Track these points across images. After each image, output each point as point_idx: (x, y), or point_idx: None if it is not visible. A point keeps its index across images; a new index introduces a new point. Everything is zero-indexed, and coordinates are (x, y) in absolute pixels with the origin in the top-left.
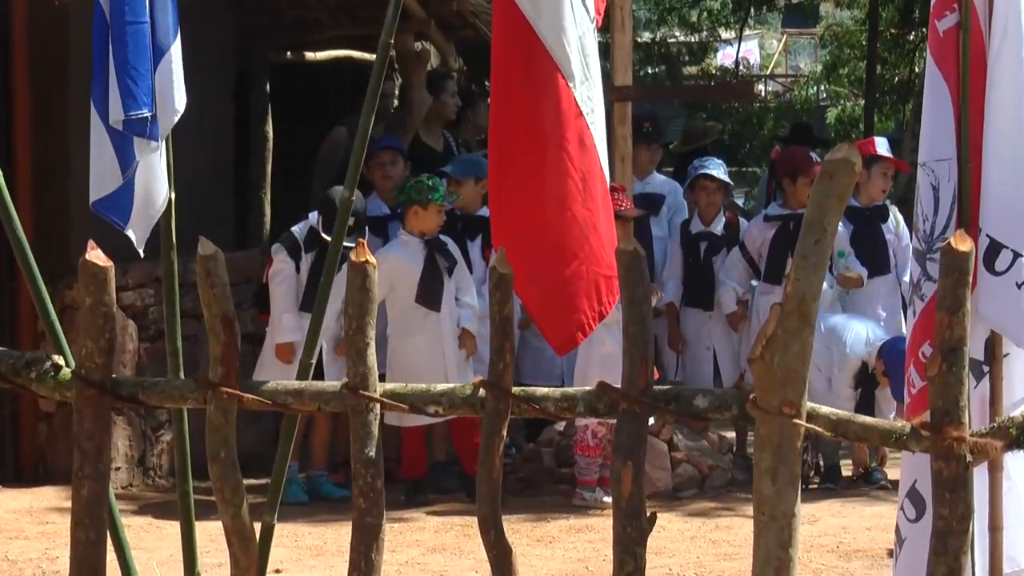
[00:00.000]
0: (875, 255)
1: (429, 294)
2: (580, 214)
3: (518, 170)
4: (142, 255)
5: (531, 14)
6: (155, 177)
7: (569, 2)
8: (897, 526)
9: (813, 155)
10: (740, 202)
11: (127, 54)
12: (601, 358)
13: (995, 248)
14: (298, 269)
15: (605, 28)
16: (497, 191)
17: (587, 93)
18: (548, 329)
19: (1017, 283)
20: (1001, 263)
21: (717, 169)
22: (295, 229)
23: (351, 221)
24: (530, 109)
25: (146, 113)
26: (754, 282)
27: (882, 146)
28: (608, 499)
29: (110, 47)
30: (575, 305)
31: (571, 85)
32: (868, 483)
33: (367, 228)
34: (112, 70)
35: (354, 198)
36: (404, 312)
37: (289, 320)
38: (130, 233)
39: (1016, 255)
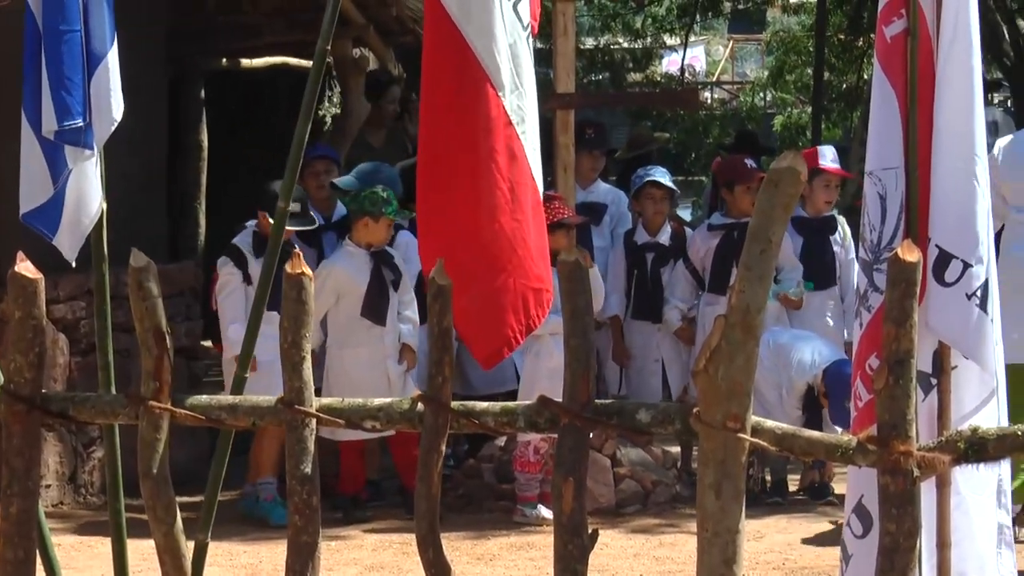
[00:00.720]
0: (822, 268)
1: (375, 307)
2: (508, 225)
3: (445, 180)
4: (73, 265)
5: (461, 21)
6: (88, 187)
7: (499, 9)
8: (843, 542)
9: (750, 162)
10: (687, 213)
11: (61, 64)
12: (549, 371)
13: (945, 259)
14: (248, 279)
15: (547, 35)
16: (424, 201)
17: (517, 102)
18: (473, 342)
19: (967, 294)
20: (951, 274)
21: (664, 177)
22: (236, 240)
23: (297, 208)
24: (458, 118)
25: (80, 123)
26: (701, 293)
27: (825, 157)
28: (549, 515)
29: (43, 56)
30: (501, 319)
31: (500, 94)
32: (817, 497)
33: (299, 237)
34: (45, 80)
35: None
36: (348, 324)
37: (240, 331)
38: (60, 244)
39: (966, 265)
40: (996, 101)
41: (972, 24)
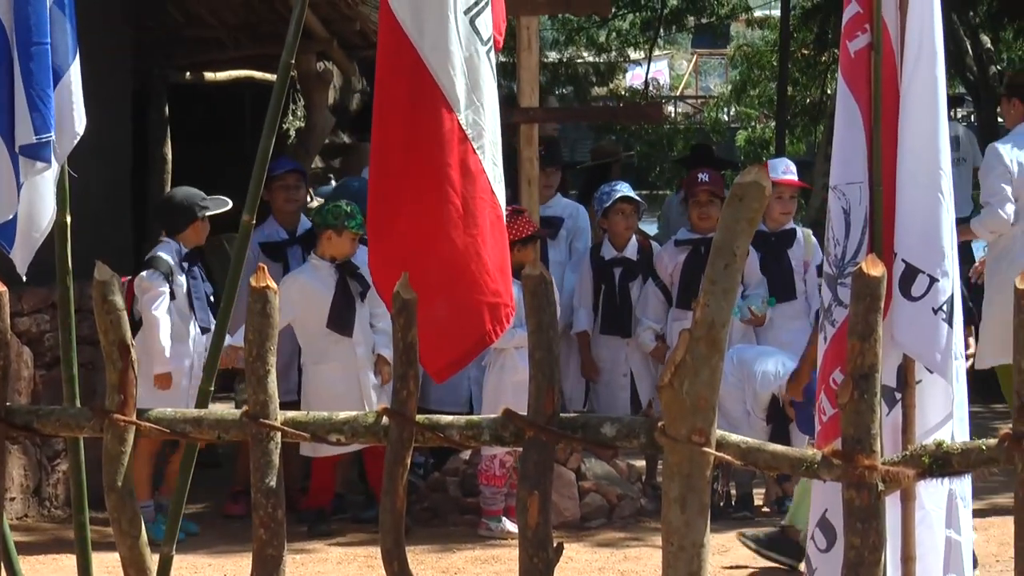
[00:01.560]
0: (782, 281)
1: (340, 319)
2: (460, 240)
3: (395, 195)
4: (24, 279)
5: (415, 36)
6: (40, 201)
7: (454, 23)
8: (807, 556)
9: (702, 176)
10: (652, 227)
11: (32, 77)
12: (513, 385)
13: (911, 273)
14: (172, 294)
15: (511, 49)
16: (375, 217)
17: (474, 116)
18: (425, 356)
19: (933, 308)
20: (917, 288)
21: (630, 192)
22: (161, 253)
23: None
24: (410, 133)
25: (52, 136)
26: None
27: (776, 169)
28: (514, 529)
29: (15, 68)
30: (454, 333)
31: (455, 110)
32: (780, 512)
33: (263, 253)
34: (21, 92)
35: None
36: (316, 338)
37: (171, 348)
38: (14, 257)
39: (932, 280)
40: (959, 116)
41: (936, 39)
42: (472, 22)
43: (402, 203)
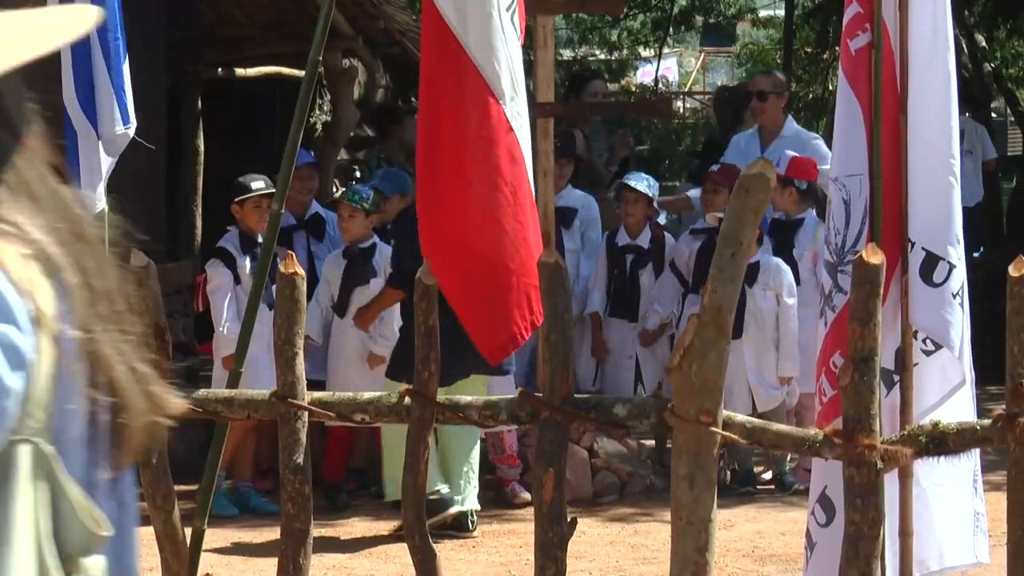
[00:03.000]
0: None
1: (339, 301)
2: (510, 226)
3: (447, 183)
4: None
5: (459, 31)
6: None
7: (498, 19)
8: (808, 531)
9: (715, 167)
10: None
11: (113, 70)
12: None
13: (932, 261)
14: (238, 279)
15: (527, 46)
16: (427, 204)
17: (516, 109)
18: (480, 339)
19: (952, 294)
20: (939, 275)
21: (640, 183)
22: (221, 243)
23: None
24: (458, 124)
25: (132, 127)
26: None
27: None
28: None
29: (102, 60)
30: (507, 315)
31: (501, 102)
32: (781, 489)
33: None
34: (108, 84)
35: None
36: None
37: (235, 330)
38: None
39: (951, 267)
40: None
41: (949, 32)
42: (512, 18)
43: (454, 191)
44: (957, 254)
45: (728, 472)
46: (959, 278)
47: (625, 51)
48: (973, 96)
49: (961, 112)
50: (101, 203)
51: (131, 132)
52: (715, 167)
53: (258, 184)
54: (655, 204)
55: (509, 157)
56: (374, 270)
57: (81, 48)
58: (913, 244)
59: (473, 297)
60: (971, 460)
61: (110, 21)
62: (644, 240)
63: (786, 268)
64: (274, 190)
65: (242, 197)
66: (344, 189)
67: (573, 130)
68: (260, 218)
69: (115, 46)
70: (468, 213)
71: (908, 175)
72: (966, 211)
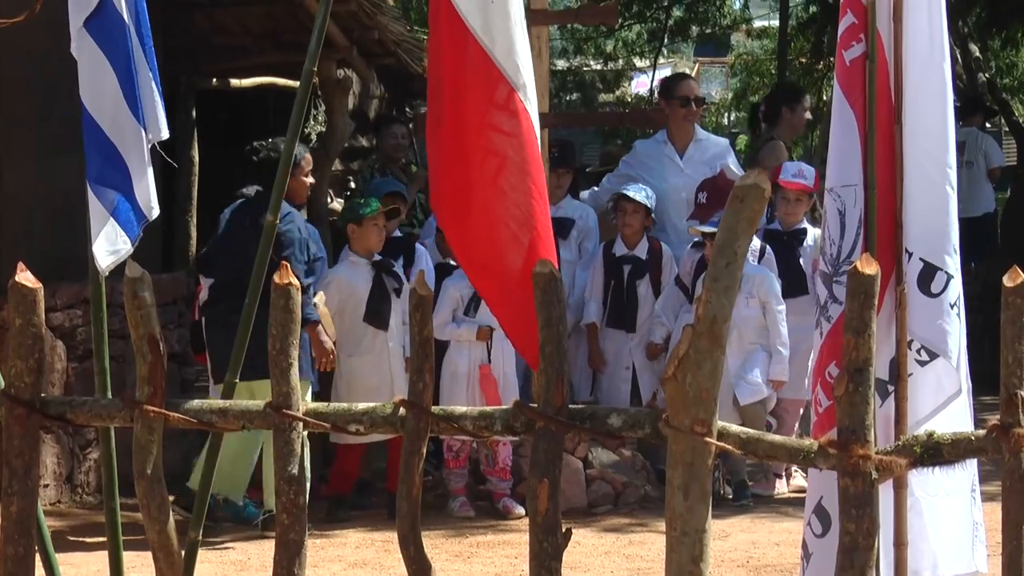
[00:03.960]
0: (793, 276)
1: (377, 312)
2: (544, 233)
3: (478, 185)
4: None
5: (486, 43)
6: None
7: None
8: (804, 541)
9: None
10: None
11: (153, 76)
12: (450, 375)
13: (930, 271)
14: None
15: None
16: (457, 215)
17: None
18: (524, 349)
19: (950, 304)
20: (936, 285)
21: (639, 193)
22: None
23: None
24: (481, 121)
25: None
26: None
27: (787, 172)
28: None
29: (145, 61)
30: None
31: (524, 99)
32: (738, 498)
33: None
34: (152, 85)
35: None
36: (353, 331)
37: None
38: (108, 253)
39: (949, 277)
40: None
41: (944, 41)
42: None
43: (490, 206)
44: (954, 264)
45: (725, 485)
46: (956, 288)
47: (620, 61)
48: (985, 107)
49: (971, 123)
50: (155, 209)
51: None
52: (702, 197)
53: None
54: (652, 216)
55: (537, 164)
56: (402, 281)
57: (123, 46)
58: (911, 254)
59: (512, 309)
60: (967, 470)
61: (143, 21)
62: (641, 251)
63: (771, 275)
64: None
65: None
66: (344, 210)
67: (568, 140)
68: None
69: (151, 52)
70: (504, 222)
71: (905, 185)
72: (975, 220)
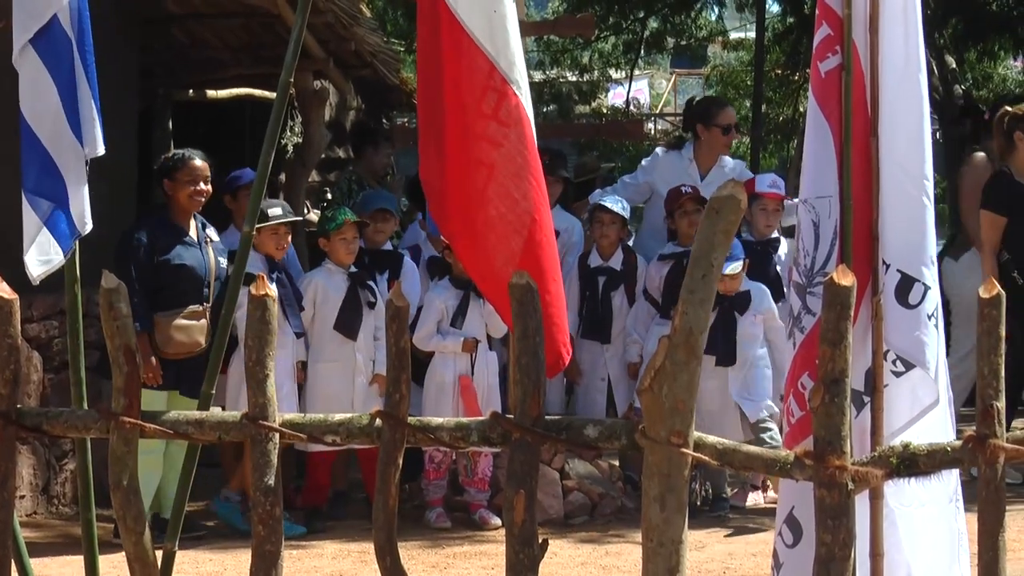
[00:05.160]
0: (766, 285)
1: (348, 323)
2: (546, 246)
3: (491, 190)
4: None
5: (489, 49)
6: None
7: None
8: (775, 551)
9: (685, 188)
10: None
11: (92, 92)
12: (436, 386)
13: (907, 283)
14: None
15: None
16: (464, 227)
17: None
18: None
19: (928, 315)
20: (914, 296)
21: (616, 204)
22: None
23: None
24: (483, 124)
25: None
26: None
27: (762, 183)
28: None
29: (85, 78)
30: (552, 336)
31: (520, 96)
32: (715, 509)
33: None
34: (91, 102)
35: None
36: (323, 338)
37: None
38: (40, 263)
39: (926, 288)
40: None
41: (920, 52)
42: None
43: (501, 203)
44: (932, 275)
45: (700, 497)
46: (934, 299)
47: (596, 73)
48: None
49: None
50: (88, 224)
51: (101, 152)
52: (686, 189)
53: (275, 211)
54: (627, 226)
55: (538, 171)
56: (377, 295)
57: (67, 63)
58: (888, 266)
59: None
60: (945, 481)
61: (86, 40)
62: (616, 262)
63: (766, 289)
64: (294, 218)
65: (260, 225)
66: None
67: (559, 149)
68: (277, 245)
69: (91, 69)
70: (514, 234)
71: (881, 197)
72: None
